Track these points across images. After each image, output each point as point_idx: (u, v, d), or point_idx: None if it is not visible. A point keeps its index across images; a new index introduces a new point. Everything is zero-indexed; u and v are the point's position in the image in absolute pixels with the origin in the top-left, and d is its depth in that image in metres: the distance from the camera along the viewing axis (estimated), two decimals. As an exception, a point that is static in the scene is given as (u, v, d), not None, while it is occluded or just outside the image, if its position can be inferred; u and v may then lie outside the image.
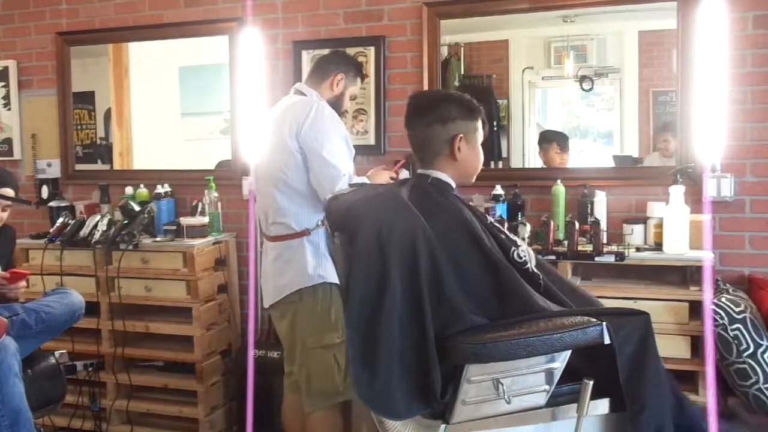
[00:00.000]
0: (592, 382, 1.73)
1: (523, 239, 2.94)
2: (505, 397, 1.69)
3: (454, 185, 2.03)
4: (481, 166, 2.11)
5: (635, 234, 3.00)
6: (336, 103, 2.75)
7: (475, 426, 1.74)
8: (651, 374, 1.79)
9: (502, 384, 1.69)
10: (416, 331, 1.66)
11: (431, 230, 1.74)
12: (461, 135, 2.00)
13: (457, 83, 3.48)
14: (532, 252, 1.98)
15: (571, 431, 1.76)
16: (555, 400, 1.79)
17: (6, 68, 4.13)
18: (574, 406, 1.76)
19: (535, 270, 1.94)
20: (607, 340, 1.71)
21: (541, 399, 1.77)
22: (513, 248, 1.93)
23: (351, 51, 3.49)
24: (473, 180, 2.12)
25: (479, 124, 2.06)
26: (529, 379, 1.73)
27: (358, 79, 2.84)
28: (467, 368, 1.65)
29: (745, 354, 2.67)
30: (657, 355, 1.82)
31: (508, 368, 1.69)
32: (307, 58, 3.60)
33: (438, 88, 3.32)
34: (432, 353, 1.64)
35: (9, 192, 2.87)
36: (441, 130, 2.01)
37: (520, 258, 1.92)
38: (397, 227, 1.70)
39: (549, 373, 1.74)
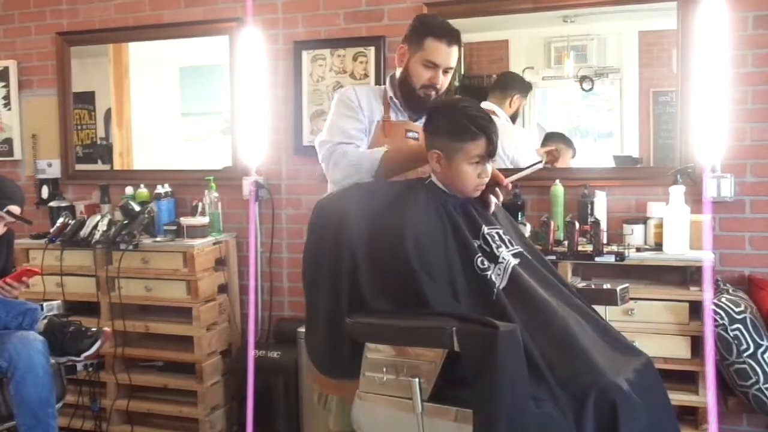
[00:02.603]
0: (417, 380, 1.81)
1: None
2: (384, 379, 1.88)
3: (447, 191, 2.07)
4: (469, 187, 2.06)
5: (635, 234, 3.00)
6: (404, 82, 2.40)
7: (377, 399, 1.91)
8: (492, 391, 1.70)
9: (387, 368, 1.88)
10: (335, 308, 1.97)
11: (385, 226, 2.00)
12: (438, 152, 2.04)
13: (457, 83, 3.47)
14: (511, 268, 1.99)
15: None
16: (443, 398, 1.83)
17: (6, 68, 4.13)
18: (451, 409, 1.80)
19: (494, 279, 1.96)
20: (456, 348, 1.74)
21: (424, 391, 1.83)
22: (478, 255, 1.99)
23: (351, 51, 3.50)
24: (469, 195, 2.09)
25: (470, 146, 2.00)
26: (416, 368, 1.84)
27: (427, 40, 2.33)
28: (366, 345, 1.92)
29: (745, 354, 2.67)
30: (505, 372, 1.70)
31: (396, 355, 1.88)
32: (307, 58, 3.60)
33: (457, 96, 3.23)
34: (344, 329, 1.93)
35: (15, 209, 2.89)
36: (427, 139, 2.11)
37: (483, 265, 1.98)
38: (334, 222, 2.01)
39: (428, 370, 1.82)
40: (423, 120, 2.38)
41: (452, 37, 2.36)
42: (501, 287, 1.96)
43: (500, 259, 2.00)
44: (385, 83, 2.52)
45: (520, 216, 3.11)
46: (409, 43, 2.39)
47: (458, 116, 2.03)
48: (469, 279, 1.98)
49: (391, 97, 2.43)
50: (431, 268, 1.95)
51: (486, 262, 1.99)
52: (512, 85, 3.37)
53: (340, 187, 2.28)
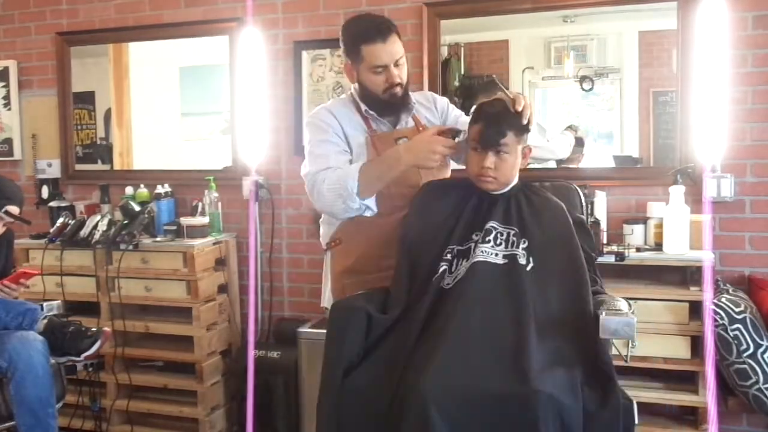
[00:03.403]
0: None
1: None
2: None
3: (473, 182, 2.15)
4: (471, 173, 2.12)
5: (635, 234, 3.00)
6: (365, 94, 2.31)
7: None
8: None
9: None
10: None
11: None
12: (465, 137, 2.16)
13: (457, 83, 3.47)
14: (466, 269, 2.02)
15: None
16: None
17: (6, 68, 4.13)
18: None
19: (447, 273, 2.04)
20: None
21: None
22: (448, 251, 2.08)
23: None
24: (476, 184, 2.12)
25: (472, 129, 2.08)
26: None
27: (362, 49, 2.23)
28: None
29: (745, 354, 2.67)
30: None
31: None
32: (307, 58, 3.60)
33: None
34: None
35: (14, 210, 2.89)
36: None
37: (446, 257, 2.07)
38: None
39: None
40: (407, 122, 2.38)
41: (383, 31, 2.22)
42: (447, 286, 2.01)
43: (472, 256, 2.02)
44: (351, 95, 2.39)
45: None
46: (348, 57, 2.29)
47: (480, 104, 2.12)
48: (429, 273, 2.06)
49: (366, 110, 2.32)
50: (417, 267, 2.09)
51: (442, 267, 2.05)
52: (496, 87, 3.31)
53: (334, 217, 2.26)
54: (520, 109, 2.06)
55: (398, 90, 2.27)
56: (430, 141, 2.12)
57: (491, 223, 2.07)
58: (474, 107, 2.15)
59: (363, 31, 2.24)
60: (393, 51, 2.24)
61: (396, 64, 2.25)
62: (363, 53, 2.23)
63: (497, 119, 2.04)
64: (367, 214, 2.24)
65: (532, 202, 2.13)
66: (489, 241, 2.03)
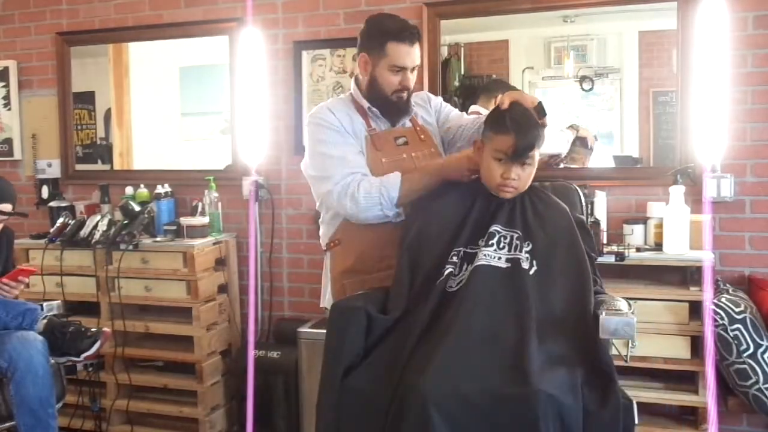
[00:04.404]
0: None
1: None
2: None
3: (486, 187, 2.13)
4: (491, 183, 2.09)
5: (635, 234, 3.00)
6: (374, 90, 2.32)
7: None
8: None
9: None
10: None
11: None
12: (481, 142, 2.12)
13: (457, 83, 3.48)
14: (468, 272, 2.01)
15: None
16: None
17: (6, 68, 4.13)
18: None
19: (451, 281, 2.02)
20: None
21: None
22: (453, 254, 2.07)
23: (351, 51, 3.50)
24: (495, 193, 2.11)
25: (497, 138, 2.04)
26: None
27: (389, 46, 2.25)
28: None
29: (745, 354, 2.67)
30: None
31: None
32: (307, 58, 3.60)
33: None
34: None
35: (7, 207, 2.88)
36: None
37: (451, 259, 2.06)
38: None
39: None
40: (405, 122, 2.40)
41: (412, 35, 2.27)
42: (451, 288, 2.00)
43: (476, 260, 2.01)
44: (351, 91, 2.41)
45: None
46: (368, 51, 2.30)
47: (504, 112, 2.06)
48: (430, 277, 2.05)
49: (369, 108, 2.33)
50: (417, 267, 2.08)
51: (456, 260, 2.04)
52: (497, 86, 3.28)
53: (365, 222, 2.24)
54: (547, 123, 2.10)
55: (404, 94, 2.33)
56: (460, 158, 2.22)
57: (495, 227, 2.06)
58: (493, 112, 2.12)
59: (394, 29, 2.27)
60: (415, 57, 2.29)
61: (412, 70, 2.31)
62: (388, 50, 2.26)
63: (529, 133, 2.02)
64: (396, 220, 2.26)
65: (536, 205, 2.13)
66: (492, 245, 2.03)
